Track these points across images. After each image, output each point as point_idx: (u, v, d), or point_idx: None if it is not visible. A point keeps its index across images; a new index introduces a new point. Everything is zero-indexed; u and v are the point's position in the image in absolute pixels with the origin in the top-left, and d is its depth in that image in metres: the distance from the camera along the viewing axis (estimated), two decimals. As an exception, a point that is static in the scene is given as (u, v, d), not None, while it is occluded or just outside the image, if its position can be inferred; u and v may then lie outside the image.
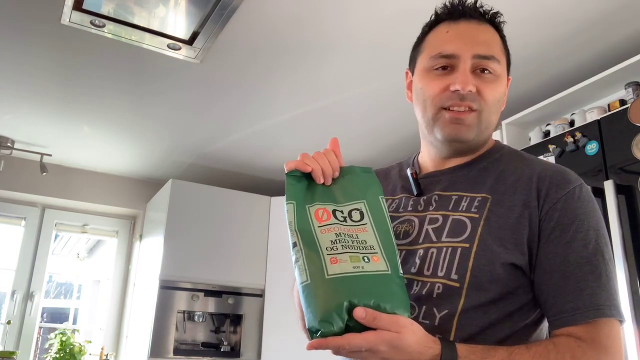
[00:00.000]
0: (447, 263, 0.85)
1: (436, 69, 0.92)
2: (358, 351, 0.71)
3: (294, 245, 0.79)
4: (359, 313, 0.70)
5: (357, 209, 0.83)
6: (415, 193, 0.97)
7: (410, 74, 1.01)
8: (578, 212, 0.84)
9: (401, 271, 0.79)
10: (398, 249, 0.92)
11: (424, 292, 0.86)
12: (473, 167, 0.95)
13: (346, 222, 0.82)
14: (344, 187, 0.86)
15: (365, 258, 0.77)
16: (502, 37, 0.96)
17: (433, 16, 0.97)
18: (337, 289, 0.73)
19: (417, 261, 0.88)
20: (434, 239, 0.89)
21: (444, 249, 0.86)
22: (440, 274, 0.85)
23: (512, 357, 0.75)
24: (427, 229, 0.91)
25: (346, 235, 0.80)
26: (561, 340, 0.79)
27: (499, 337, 0.82)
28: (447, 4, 0.95)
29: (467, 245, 0.85)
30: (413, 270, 0.88)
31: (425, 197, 0.95)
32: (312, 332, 0.72)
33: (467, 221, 0.87)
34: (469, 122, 0.90)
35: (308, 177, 0.86)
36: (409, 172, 1.01)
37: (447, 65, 0.91)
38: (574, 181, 0.87)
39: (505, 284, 0.83)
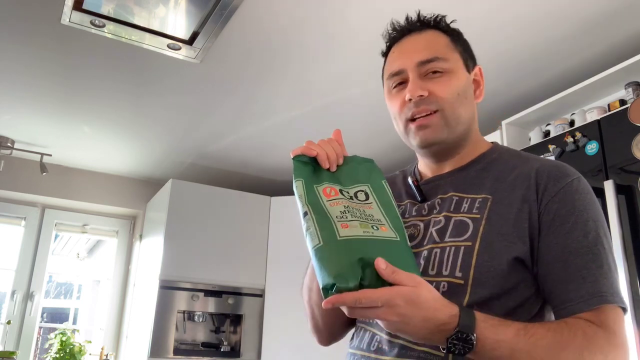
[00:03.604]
0: (451, 262, 0.86)
1: (394, 87, 0.99)
2: (375, 307, 0.72)
3: (305, 214, 0.82)
4: (381, 264, 0.72)
5: (362, 191, 0.88)
6: (419, 199, 1.00)
7: None
8: (577, 203, 0.86)
9: (409, 242, 0.82)
10: None
11: None
12: (471, 169, 0.97)
13: (353, 200, 0.86)
14: (347, 173, 0.91)
15: (375, 227, 0.80)
16: (452, 35, 1.00)
17: (387, 42, 1.05)
18: (350, 248, 0.76)
19: (422, 262, 0.90)
20: (437, 239, 0.90)
21: (447, 249, 0.88)
22: (445, 272, 0.86)
23: (527, 328, 0.77)
24: (431, 231, 0.92)
25: (354, 209, 0.83)
26: (572, 320, 0.80)
27: None
28: (390, 29, 1.03)
29: (470, 243, 0.86)
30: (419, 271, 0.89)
31: (428, 202, 0.98)
32: (326, 290, 0.73)
33: (469, 221, 0.89)
34: (434, 124, 0.94)
35: (314, 163, 0.90)
36: (410, 180, 1.04)
37: (402, 81, 0.97)
38: (572, 174, 0.89)
39: (507, 279, 0.84)
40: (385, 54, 1.05)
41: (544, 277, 0.85)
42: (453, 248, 0.87)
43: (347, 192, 0.87)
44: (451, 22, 1.02)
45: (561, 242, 0.83)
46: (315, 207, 0.82)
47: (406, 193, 1.04)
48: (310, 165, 0.89)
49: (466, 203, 0.92)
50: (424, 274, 0.88)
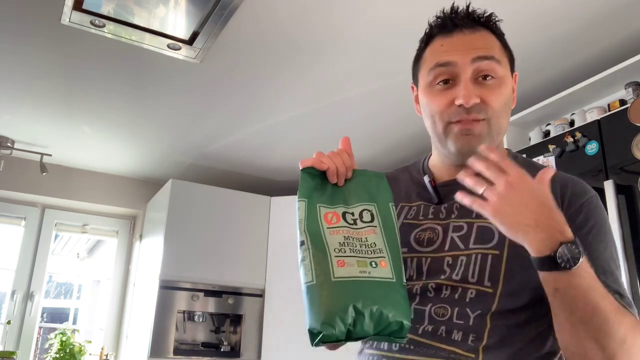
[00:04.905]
0: (479, 270, 0.85)
1: (438, 83, 0.91)
2: (504, 172, 0.74)
3: (302, 243, 0.79)
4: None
5: (368, 210, 0.84)
6: (435, 201, 0.96)
7: (415, 88, 1.01)
8: (597, 218, 0.88)
9: (405, 280, 0.79)
10: (423, 256, 0.90)
11: (456, 297, 0.85)
12: None
13: (356, 224, 0.82)
14: (355, 188, 0.87)
15: (373, 263, 0.77)
16: (501, 38, 0.95)
17: (427, 29, 0.96)
18: (342, 292, 0.73)
19: (447, 269, 0.88)
20: (461, 246, 0.88)
21: (474, 256, 0.86)
22: (471, 280, 0.85)
23: (608, 293, 0.76)
24: (452, 237, 0.90)
25: (355, 239, 0.80)
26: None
27: (526, 337, 0.82)
28: (439, 16, 0.95)
29: (497, 252, 0.85)
30: (443, 277, 0.87)
31: (446, 205, 0.94)
32: (312, 334, 0.72)
33: (494, 227, 0.86)
34: (479, 132, 0.89)
35: (322, 175, 0.86)
36: (426, 180, 0.98)
37: (448, 79, 0.90)
38: (590, 191, 0.92)
39: (536, 291, 0.81)
40: (426, 42, 0.96)
41: None
42: (480, 255, 0.86)
43: (352, 214, 0.83)
44: (497, 20, 0.94)
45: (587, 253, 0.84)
46: (314, 236, 0.79)
47: (417, 193, 0.99)
48: (317, 179, 0.86)
49: None
50: (448, 279, 0.86)
